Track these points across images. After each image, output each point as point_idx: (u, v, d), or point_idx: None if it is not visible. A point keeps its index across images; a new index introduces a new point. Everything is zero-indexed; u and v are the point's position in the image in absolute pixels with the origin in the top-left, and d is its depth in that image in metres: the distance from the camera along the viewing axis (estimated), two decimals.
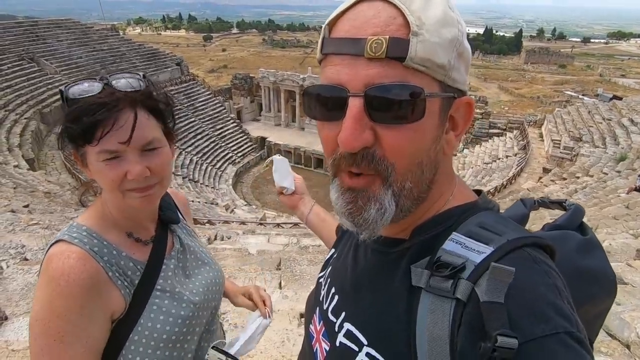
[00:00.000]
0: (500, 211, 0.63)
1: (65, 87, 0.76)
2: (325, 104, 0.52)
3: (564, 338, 0.42)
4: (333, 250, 0.84)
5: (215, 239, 7.37)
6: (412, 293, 0.52)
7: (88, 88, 0.75)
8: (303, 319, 2.82)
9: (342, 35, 0.50)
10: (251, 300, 1.14)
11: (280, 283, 3.78)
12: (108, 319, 0.78)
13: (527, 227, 0.66)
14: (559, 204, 0.72)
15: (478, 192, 0.64)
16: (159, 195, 0.84)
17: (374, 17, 0.48)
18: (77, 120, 0.72)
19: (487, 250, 0.48)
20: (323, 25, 0.54)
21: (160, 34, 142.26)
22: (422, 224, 0.58)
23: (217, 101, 32.13)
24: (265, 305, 1.12)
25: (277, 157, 1.09)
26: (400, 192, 0.52)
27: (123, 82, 0.77)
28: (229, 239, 7.68)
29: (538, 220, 5.84)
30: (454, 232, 0.53)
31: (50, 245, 0.78)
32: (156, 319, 0.82)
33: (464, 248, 0.50)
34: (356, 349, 0.58)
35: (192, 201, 16.31)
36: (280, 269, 4.22)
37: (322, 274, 0.81)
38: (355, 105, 0.48)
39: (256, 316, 1.08)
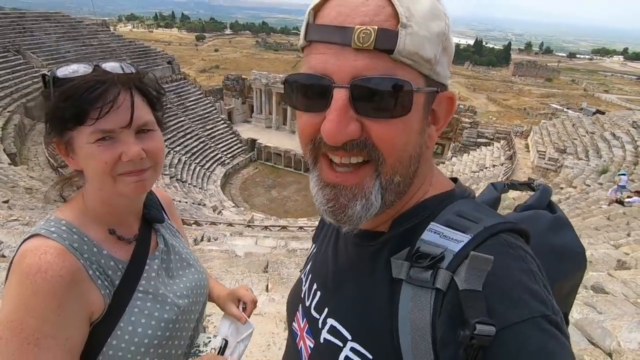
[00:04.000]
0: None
1: (49, 70, 0.71)
2: (308, 93, 0.50)
3: (540, 322, 0.42)
4: (313, 245, 0.83)
5: (202, 240, 7.26)
6: (393, 285, 0.52)
7: (79, 68, 0.71)
8: None
9: (329, 23, 0.47)
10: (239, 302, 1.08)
11: (267, 286, 3.74)
12: (86, 321, 0.72)
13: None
14: (527, 185, 0.75)
15: (454, 179, 0.64)
16: (152, 182, 0.79)
17: (362, 5, 0.46)
18: (70, 99, 0.68)
19: (465, 238, 0.48)
20: (307, 10, 0.52)
21: (152, 31, 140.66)
22: (401, 215, 0.58)
23: (207, 101, 31.83)
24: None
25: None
26: (388, 185, 0.52)
27: (113, 65, 0.75)
28: (215, 240, 7.58)
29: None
30: (432, 222, 0.53)
31: (24, 240, 0.71)
32: (137, 322, 0.77)
33: (443, 237, 0.50)
34: (340, 344, 0.57)
35: (179, 201, 16.07)
36: (267, 272, 4.17)
37: (303, 270, 0.80)
38: (340, 97, 0.46)
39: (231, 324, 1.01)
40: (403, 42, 0.45)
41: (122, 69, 0.75)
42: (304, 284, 0.75)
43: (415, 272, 0.49)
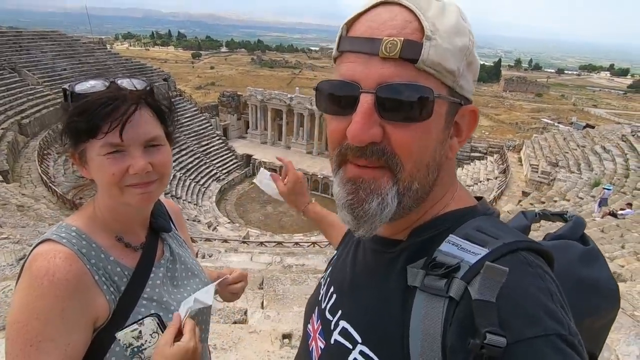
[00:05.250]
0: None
1: (69, 85, 0.77)
2: (338, 98, 0.53)
3: (554, 340, 0.41)
4: (336, 252, 0.85)
5: (197, 256, 7.17)
6: (408, 292, 0.52)
7: (95, 85, 0.77)
8: (285, 340, 2.75)
9: (359, 35, 0.52)
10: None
11: (262, 303, 3.68)
12: (90, 326, 0.74)
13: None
14: (560, 216, 0.74)
15: (479, 198, 0.65)
16: (158, 194, 0.82)
17: (390, 20, 0.50)
18: (84, 114, 0.72)
19: (483, 251, 0.49)
20: (340, 25, 0.57)
21: (148, 49, 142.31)
22: (420, 226, 0.59)
23: (203, 117, 32.05)
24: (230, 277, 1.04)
25: (259, 177, 1.14)
26: (406, 191, 0.53)
27: (127, 82, 0.80)
28: (210, 257, 7.50)
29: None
30: (451, 234, 0.54)
31: (36, 245, 0.74)
32: None
33: (460, 249, 0.51)
34: (350, 346, 0.58)
35: None
36: (262, 288, 4.12)
37: (323, 275, 0.82)
38: (366, 101, 0.50)
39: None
40: (427, 53, 0.48)
41: (136, 85, 0.80)
42: (322, 287, 0.76)
43: (429, 280, 0.49)
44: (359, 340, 0.57)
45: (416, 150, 0.52)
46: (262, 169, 1.16)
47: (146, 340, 0.77)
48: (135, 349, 0.76)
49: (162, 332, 0.77)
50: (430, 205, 0.59)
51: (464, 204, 0.60)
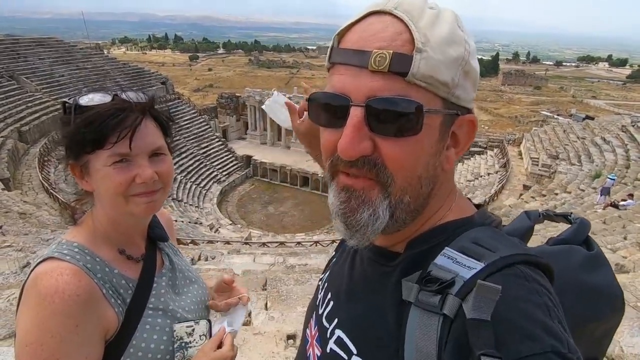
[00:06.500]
0: (504, 224, 0.63)
1: (70, 98, 0.78)
2: (329, 110, 0.53)
3: (552, 358, 0.40)
4: (335, 253, 0.84)
5: (199, 259, 7.19)
6: (402, 307, 0.52)
7: (99, 97, 0.78)
8: (290, 341, 2.76)
9: (349, 47, 0.51)
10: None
11: (266, 304, 3.69)
12: (102, 339, 0.75)
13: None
14: (564, 217, 0.72)
15: (479, 206, 0.63)
16: (161, 203, 0.83)
17: (381, 31, 0.49)
18: (92, 124, 0.73)
19: (478, 266, 0.47)
20: (333, 35, 0.56)
21: (145, 53, 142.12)
22: (416, 238, 0.58)
23: (202, 120, 32.06)
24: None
25: (270, 103, 1.00)
26: (397, 205, 0.52)
27: (130, 94, 0.81)
28: (213, 259, 7.51)
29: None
30: (446, 247, 0.52)
31: (37, 264, 0.73)
32: (149, 338, 0.80)
33: (455, 263, 0.49)
34: (345, 356, 0.58)
35: (176, 221, 15.95)
36: (266, 289, 4.13)
37: (321, 276, 0.81)
38: (356, 114, 0.49)
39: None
40: (417, 66, 0.47)
41: (138, 97, 0.81)
42: (320, 291, 0.76)
43: (423, 296, 0.48)
44: (354, 351, 0.57)
45: (407, 163, 0.51)
46: (275, 92, 1.03)
47: (194, 339, 0.85)
48: (183, 344, 0.84)
49: (209, 338, 0.87)
50: (427, 216, 0.58)
51: (462, 214, 0.59)
